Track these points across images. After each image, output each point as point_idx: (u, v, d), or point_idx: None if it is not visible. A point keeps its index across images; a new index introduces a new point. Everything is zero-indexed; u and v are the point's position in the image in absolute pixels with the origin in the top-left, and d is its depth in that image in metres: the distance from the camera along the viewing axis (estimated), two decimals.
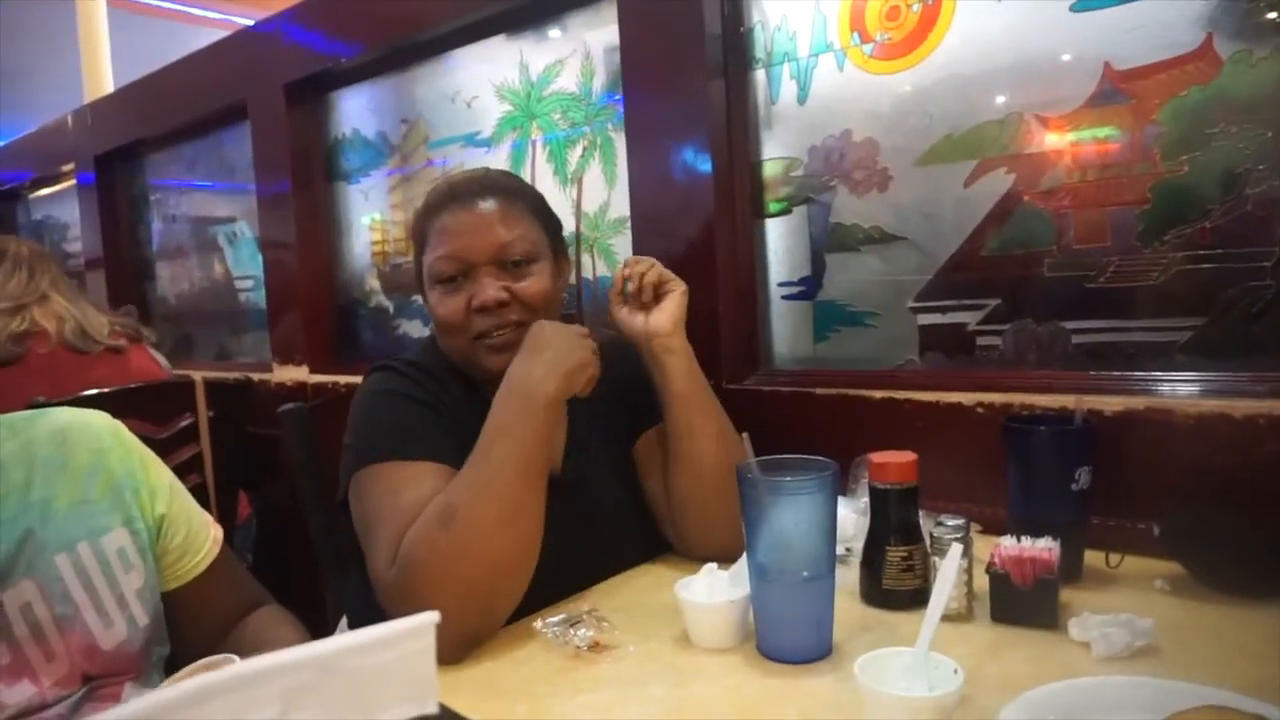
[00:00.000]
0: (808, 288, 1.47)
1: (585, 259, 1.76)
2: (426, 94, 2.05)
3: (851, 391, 1.32)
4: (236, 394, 2.18)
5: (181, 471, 1.91)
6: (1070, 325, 1.22)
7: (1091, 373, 1.19)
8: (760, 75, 1.47)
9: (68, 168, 3.25)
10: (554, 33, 1.77)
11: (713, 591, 0.92)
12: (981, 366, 1.29)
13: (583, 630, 0.92)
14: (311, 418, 1.46)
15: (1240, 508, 0.99)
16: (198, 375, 2.10)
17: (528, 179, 1.76)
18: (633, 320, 1.15)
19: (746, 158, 1.48)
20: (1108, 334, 1.19)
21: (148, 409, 1.92)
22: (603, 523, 1.16)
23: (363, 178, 2.22)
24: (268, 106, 2.25)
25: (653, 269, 1.15)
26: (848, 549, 1.07)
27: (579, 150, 1.75)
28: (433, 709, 0.42)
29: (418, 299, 2.05)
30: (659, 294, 1.14)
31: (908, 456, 0.98)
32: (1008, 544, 0.94)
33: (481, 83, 1.91)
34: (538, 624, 0.95)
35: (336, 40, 2.07)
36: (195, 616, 0.99)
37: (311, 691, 0.39)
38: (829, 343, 1.45)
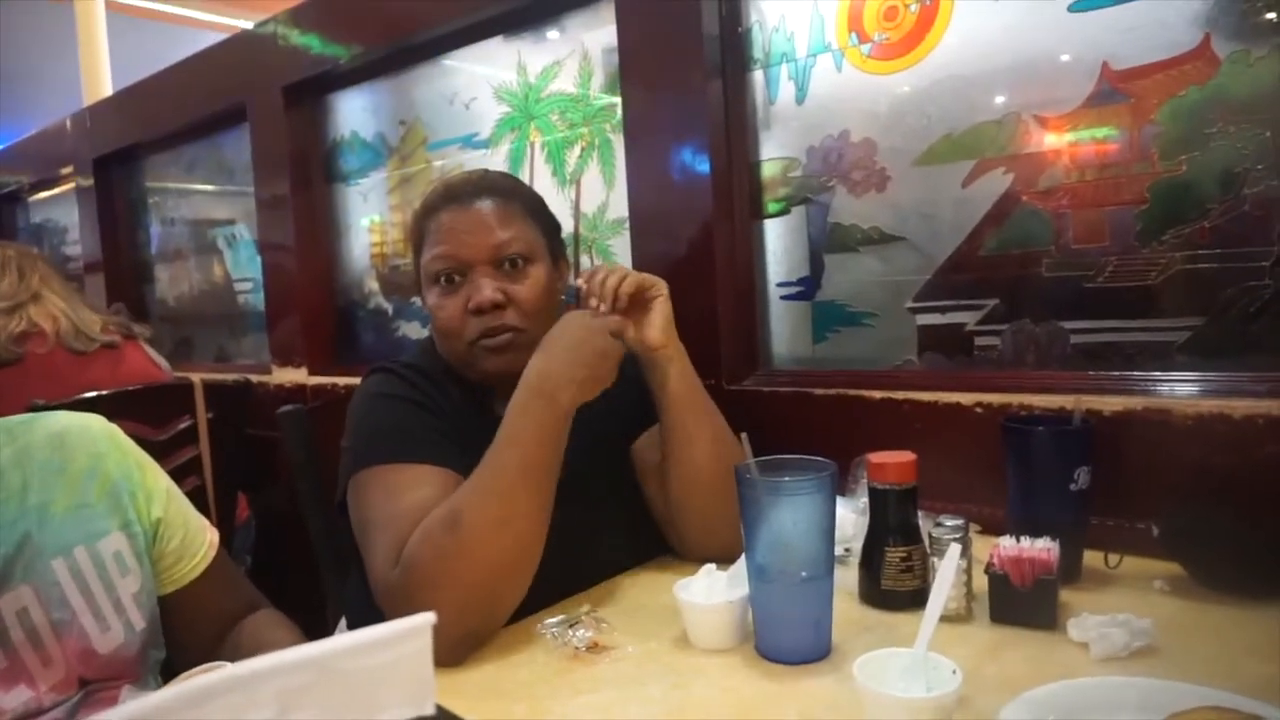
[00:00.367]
0: (806, 288, 1.47)
1: (584, 260, 1.76)
2: (425, 95, 2.05)
3: (850, 392, 1.32)
4: (235, 396, 2.19)
5: (180, 473, 1.92)
6: (1069, 325, 1.22)
7: (1090, 373, 1.19)
8: (758, 76, 1.47)
9: (67, 171, 3.25)
10: (552, 34, 1.77)
11: (711, 592, 0.92)
12: (980, 367, 1.29)
13: (582, 631, 0.92)
14: (310, 419, 1.46)
15: (1239, 508, 0.99)
16: (197, 377, 2.10)
17: (526, 180, 1.77)
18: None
19: (745, 158, 1.48)
20: (1106, 334, 1.19)
21: (147, 411, 1.92)
22: (601, 524, 1.15)
23: (361, 179, 2.22)
24: (266, 109, 2.25)
25: (625, 280, 1.04)
26: (847, 549, 1.07)
27: (577, 151, 1.75)
28: (430, 709, 0.42)
29: (417, 301, 2.05)
30: (643, 301, 1.07)
31: (906, 457, 0.98)
32: (1007, 544, 0.93)
33: (480, 84, 1.91)
34: (537, 625, 0.95)
35: (335, 42, 2.06)
36: (191, 620, 0.99)
37: (309, 692, 0.39)
38: (828, 343, 1.45)
